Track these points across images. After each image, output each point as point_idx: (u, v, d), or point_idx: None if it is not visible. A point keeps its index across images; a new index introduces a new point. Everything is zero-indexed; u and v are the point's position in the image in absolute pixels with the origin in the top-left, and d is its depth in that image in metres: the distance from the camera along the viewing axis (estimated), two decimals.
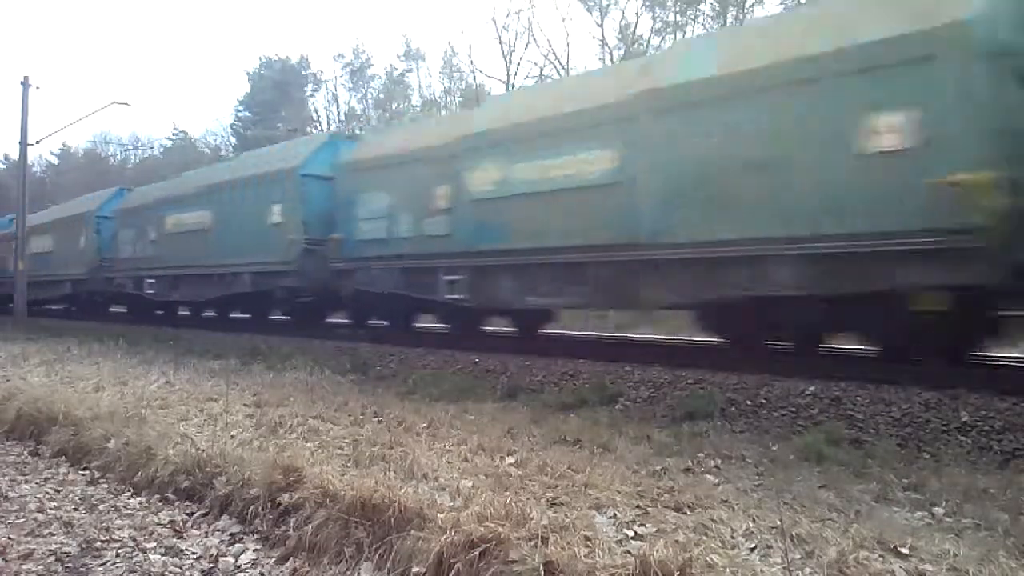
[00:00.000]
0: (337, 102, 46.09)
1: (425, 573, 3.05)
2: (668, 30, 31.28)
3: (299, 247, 12.28)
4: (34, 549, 3.76)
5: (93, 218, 19.88)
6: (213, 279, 15.10)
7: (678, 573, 2.61)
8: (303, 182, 12.57)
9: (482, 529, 3.01)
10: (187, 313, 18.40)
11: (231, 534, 3.96)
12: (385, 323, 12.39)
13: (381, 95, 44.15)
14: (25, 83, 20.88)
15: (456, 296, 9.86)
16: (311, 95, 47.87)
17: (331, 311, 14.53)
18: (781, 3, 28.19)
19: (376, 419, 6.08)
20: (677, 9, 31.02)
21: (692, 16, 30.97)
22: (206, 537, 3.97)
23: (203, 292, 15.67)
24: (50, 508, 4.46)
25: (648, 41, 31.31)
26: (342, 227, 11.89)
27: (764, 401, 6.32)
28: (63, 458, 5.61)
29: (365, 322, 13.12)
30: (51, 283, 22.16)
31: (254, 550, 3.74)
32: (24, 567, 3.56)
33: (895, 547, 3.03)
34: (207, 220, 15.17)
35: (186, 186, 16.91)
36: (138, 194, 19.83)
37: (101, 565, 3.63)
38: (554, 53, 34.11)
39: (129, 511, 4.39)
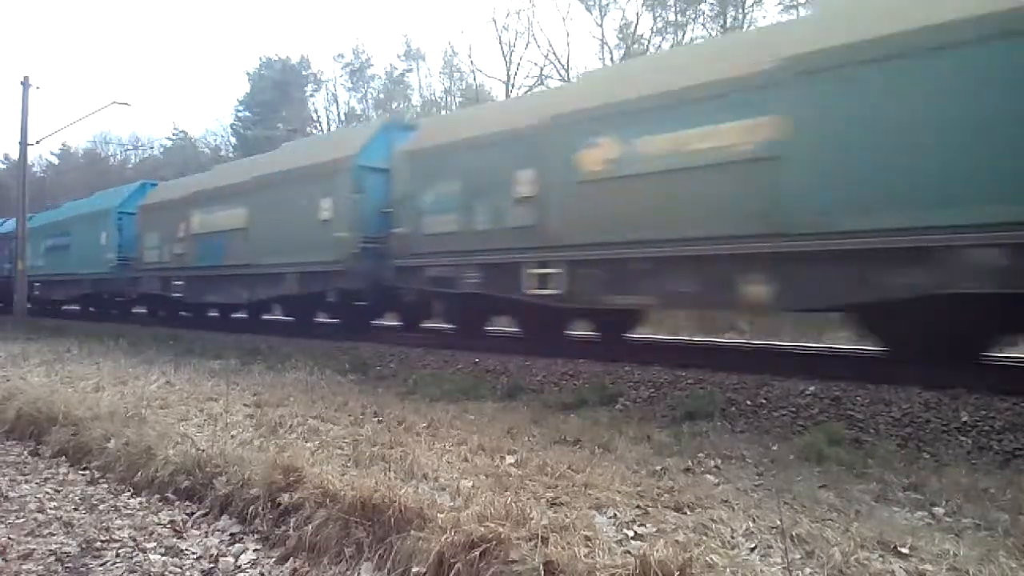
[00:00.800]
0: (337, 102, 46.21)
1: (425, 573, 3.05)
2: (668, 30, 31.31)
3: None
4: (34, 549, 3.76)
5: (351, 169, 11.46)
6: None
7: (678, 573, 2.61)
8: None
9: (482, 529, 3.01)
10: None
11: (231, 534, 3.96)
12: None
13: (381, 95, 44.23)
14: (25, 83, 20.91)
15: None
16: (311, 95, 48.01)
17: None
18: (779, 3, 28.26)
19: (376, 419, 6.08)
20: (677, 9, 31.03)
21: (692, 16, 30.99)
22: (206, 537, 3.97)
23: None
24: (50, 508, 4.46)
25: (649, 41, 31.34)
26: None
27: (764, 401, 6.32)
28: (63, 458, 5.62)
29: None
30: (251, 278, 13.82)
31: (254, 550, 3.74)
32: (24, 567, 3.56)
33: (895, 547, 3.03)
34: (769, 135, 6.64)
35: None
36: (444, 126, 11.59)
37: (101, 565, 3.63)
38: (554, 53, 34.22)
39: (129, 511, 4.39)
